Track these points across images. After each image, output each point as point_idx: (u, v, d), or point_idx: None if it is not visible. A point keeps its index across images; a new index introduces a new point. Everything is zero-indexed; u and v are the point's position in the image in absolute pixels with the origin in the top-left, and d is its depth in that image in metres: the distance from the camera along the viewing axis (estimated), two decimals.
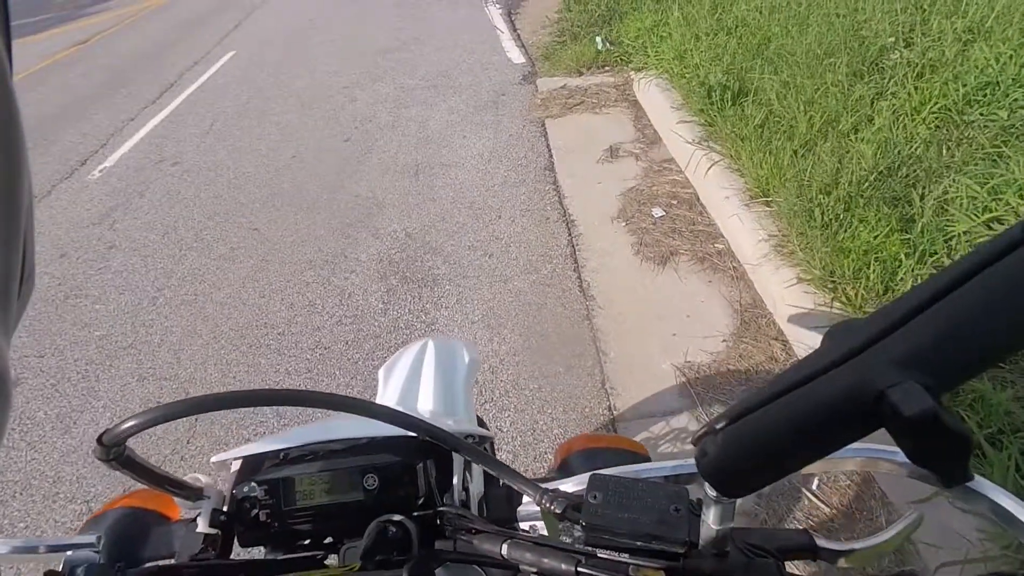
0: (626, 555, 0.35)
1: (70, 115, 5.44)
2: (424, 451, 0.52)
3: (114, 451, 0.41)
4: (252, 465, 0.52)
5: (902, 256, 1.72)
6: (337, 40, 6.23)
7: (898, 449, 0.31)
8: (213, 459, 0.54)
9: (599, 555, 0.35)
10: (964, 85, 2.21)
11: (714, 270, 2.16)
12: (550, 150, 3.22)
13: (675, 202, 2.57)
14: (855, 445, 0.28)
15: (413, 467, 0.50)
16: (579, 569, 0.36)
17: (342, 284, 2.47)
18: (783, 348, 1.82)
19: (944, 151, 1.98)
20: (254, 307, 2.44)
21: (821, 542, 0.35)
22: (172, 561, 0.48)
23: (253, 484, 0.49)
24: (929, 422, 0.22)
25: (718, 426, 0.29)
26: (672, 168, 2.83)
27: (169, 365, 2.24)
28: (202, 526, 0.49)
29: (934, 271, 1.68)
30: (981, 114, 2.07)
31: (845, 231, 1.86)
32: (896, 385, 0.23)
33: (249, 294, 2.53)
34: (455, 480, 0.53)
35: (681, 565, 0.32)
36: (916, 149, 2.06)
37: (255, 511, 0.49)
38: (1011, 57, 2.20)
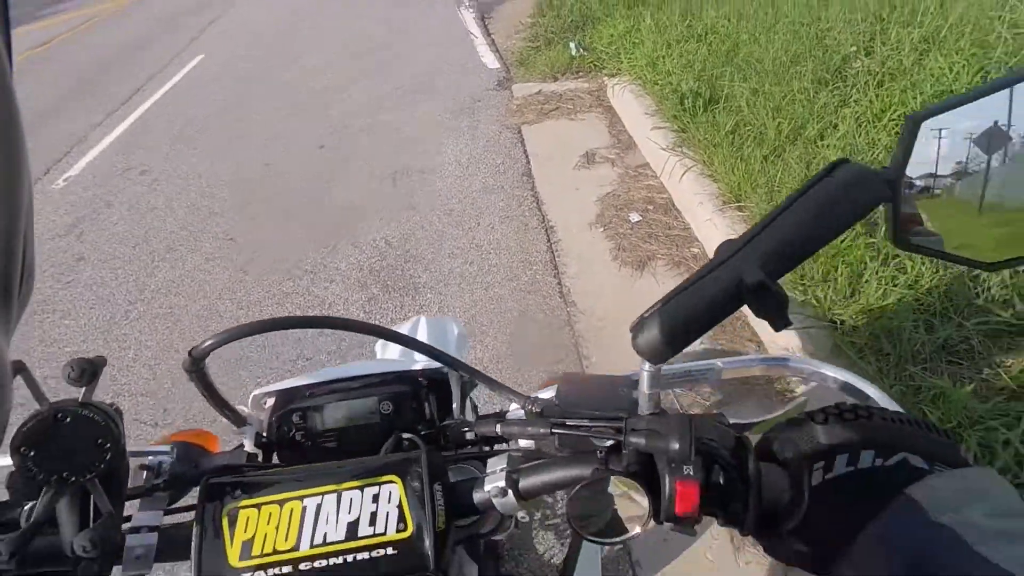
0: (587, 421, 0.45)
1: (31, 122, 5.26)
2: (428, 384, 0.63)
3: (200, 365, 0.51)
4: (287, 397, 0.62)
5: (867, 259, 1.79)
6: (309, 45, 6.16)
7: (789, 359, 0.52)
8: (254, 392, 0.63)
9: (568, 423, 0.45)
10: (921, 93, 2.31)
11: (687, 269, 2.22)
12: (527, 156, 3.26)
13: (651, 207, 2.63)
14: (760, 356, 0.49)
15: (420, 395, 0.61)
16: (553, 430, 0.46)
17: (322, 294, 2.46)
18: (757, 348, 1.88)
19: None
20: (232, 319, 2.41)
21: (731, 419, 0.44)
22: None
23: (290, 410, 0.60)
24: (763, 291, 0.35)
25: (646, 315, 0.40)
26: (647, 173, 2.89)
27: (145, 381, 2.20)
28: (248, 446, 0.58)
29: (896, 273, 1.76)
30: None
31: None
32: (748, 273, 0.35)
33: (226, 306, 2.50)
34: (454, 405, 0.62)
35: (624, 424, 0.42)
36: (879, 155, 2.15)
37: (292, 433, 0.60)
38: (963, 66, 2.31)
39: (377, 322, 0.64)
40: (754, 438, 0.43)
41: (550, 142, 3.35)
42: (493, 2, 6.48)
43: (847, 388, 0.49)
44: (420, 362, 0.64)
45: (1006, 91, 0.36)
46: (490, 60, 4.77)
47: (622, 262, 2.36)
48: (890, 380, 1.51)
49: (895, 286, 1.71)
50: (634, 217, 2.57)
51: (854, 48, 2.75)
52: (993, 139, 0.37)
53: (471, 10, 6.24)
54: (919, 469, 0.32)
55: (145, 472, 0.50)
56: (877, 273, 1.75)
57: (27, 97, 6.05)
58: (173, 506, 0.50)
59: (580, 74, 4.09)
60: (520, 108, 3.79)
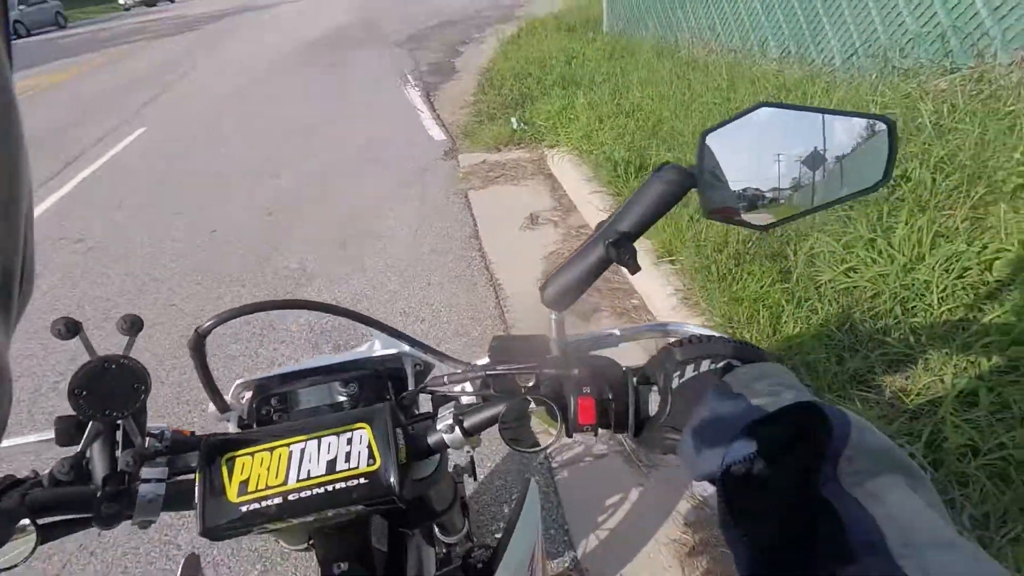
0: (513, 367, 0.57)
1: None
2: (387, 369, 0.72)
3: (202, 343, 0.57)
4: (264, 386, 0.69)
5: (783, 302, 2.00)
6: (257, 117, 6.29)
7: (669, 323, 0.69)
8: (236, 383, 0.69)
9: (498, 369, 0.57)
10: None
11: (632, 323, 2.36)
12: (474, 219, 3.42)
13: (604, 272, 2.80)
14: (648, 324, 0.66)
15: (380, 377, 0.70)
16: (487, 373, 0.58)
17: (271, 355, 2.44)
18: None
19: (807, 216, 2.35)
20: (175, 385, 2.34)
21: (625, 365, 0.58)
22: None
23: (268, 396, 0.67)
24: (620, 248, 0.49)
25: (550, 276, 0.53)
26: (588, 233, 3.09)
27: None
28: (231, 428, 0.65)
29: (810, 314, 1.96)
30: None
31: (737, 283, 2.14)
32: (611, 238, 0.50)
33: (168, 372, 2.42)
34: (410, 385, 0.71)
35: (538, 364, 0.54)
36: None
37: (271, 416, 0.66)
38: None
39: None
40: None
41: (496, 206, 3.54)
42: (437, 81, 6.90)
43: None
44: (379, 351, 0.73)
45: (819, 120, 0.50)
46: (436, 133, 5.04)
47: (568, 314, 2.48)
48: None
49: (809, 325, 1.91)
50: None
51: None
52: (815, 160, 0.51)
53: (417, 88, 6.62)
54: (736, 367, 0.46)
55: (149, 439, 0.55)
56: (793, 314, 1.95)
57: None
58: (175, 469, 0.56)
59: (522, 145, 4.38)
60: (466, 176, 4.00)
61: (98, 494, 0.50)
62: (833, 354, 1.80)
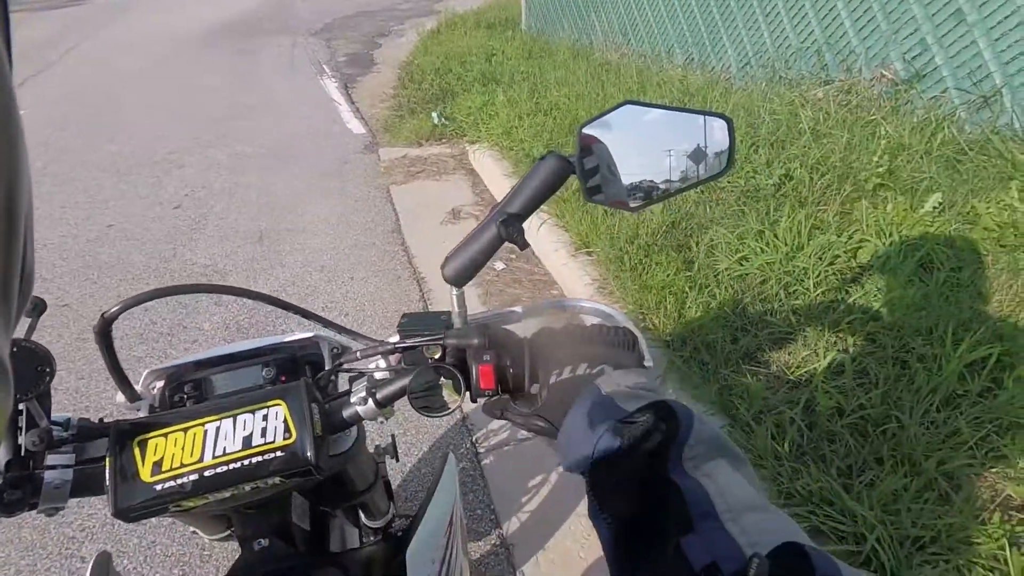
0: (418, 339, 0.61)
1: None
2: (303, 352, 0.73)
3: (108, 329, 0.58)
4: (178, 373, 0.68)
5: (687, 289, 2.19)
6: (159, 104, 5.85)
7: (567, 300, 0.73)
8: (145, 372, 0.67)
9: (407, 343, 0.61)
10: None
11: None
12: (396, 213, 3.41)
13: (514, 255, 2.90)
14: (549, 301, 0.72)
15: (296, 361, 0.71)
16: (396, 347, 0.62)
17: (181, 355, 2.33)
18: None
19: (708, 209, 2.58)
20: (71, 392, 2.18)
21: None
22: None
23: (181, 383, 0.66)
24: (509, 227, 0.54)
25: (449, 254, 0.58)
26: None
27: None
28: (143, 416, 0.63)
29: (710, 299, 2.17)
30: (729, 182, 2.75)
31: (647, 272, 2.31)
32: (502, 218, 0.54)
33: (63, 378, 2.25)
34: (326, 367, 0.72)
35: (443, 336, 0.59)
36: (690, 208, 2.65)
37: (185, 403, 0.65)
38: (742, 140, 2.97)
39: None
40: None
41: (417, 200, 3.55)
42: (355, 73, 6.75)
43: (604, 316, 0.70)
44: (296, 335, 0.74)
45: (684, 116, 0.59)
46: (355, 126, 4.94)
47: (490, 306, 2.57)
48: (712, 383, 1.84)
49: (708, 309, 2.11)
50: (499, 265, 2.82)
51: None
52: (698, 156, 0.60)
53: (334, 80, 6.43)
54: (607, 371, 0.52)
55: (55, 427, 0.54)
56: (695, 300, 2.14)
57: None
58: (84, 456, 0.55)
59: (443, 140, 4.41)
60: (387, 170, 3.97)
61: (0, 480, 0.49)
62: (728, 334, 2.00)
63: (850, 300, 2.03)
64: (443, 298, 2.65)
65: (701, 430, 0.43)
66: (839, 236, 2.24)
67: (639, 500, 0.43)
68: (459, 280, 0.58)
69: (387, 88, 5.93)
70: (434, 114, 4.66)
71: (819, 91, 3.21)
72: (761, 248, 2.27)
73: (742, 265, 2.24)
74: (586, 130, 0.56)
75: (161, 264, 2.99)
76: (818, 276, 2.12)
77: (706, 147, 0.58)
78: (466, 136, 4.29)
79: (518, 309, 0.70)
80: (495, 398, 0.58)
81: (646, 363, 0.57)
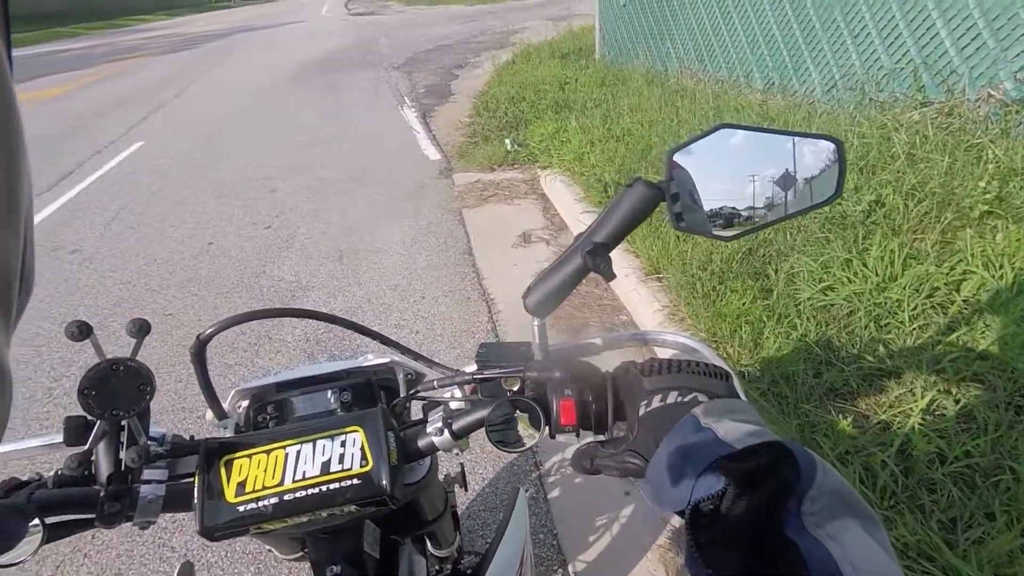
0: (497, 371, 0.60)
1: None
2: (378, 377, 0.74)
3: (203, 349, 0.60)
4: (260, 394, 0.72)
5: (764, 319, 2.09)
6: (255, 134, 6.38)
7: (648, 332, 0.72)
8: (234, 390, 0.72)
9: (485, 374, 0.60)
10: None
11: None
12: (468, 236, 3.50)
13: (583, 280, 2.89)
14: (630, 332, 0.69)
15: (371, 386, 0.73)
16: (474, 377, 0.61)
17: (267, 366, 2.48)
18: None
19: (788, 236, 2.46)
20: (171, 394, 2.37)
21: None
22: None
23: (264, 404, 0.70)
24: (596, 257, 0.53)
25: (531, 284, 0.57)
26: None
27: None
28: (228, 435, 0.66)
29: (790, 329, 2.05)
30: None
31: (721, 300, 2.23)
32: (587, 248, 0.54)
33: (164, 381, 2.45)
34: (401, 393, 0.73)
35: (523, 368, 0.57)
36: (768, 234, 2.54)
37: (266, 424, 0.69)
38: None
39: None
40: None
41: (489, 224, 3.63)
42: (433, 103, 7.06)
43: (689, 350, 0.67)
44: (372, 360, 0.76)
45: (786, 140, 0.55)
46: (432, 153, 5.15)
47: (559, 330, 2.56)
48: (792, 419, 1.73)
49: (788, 340, 2.00)
50: None
51: None
52: (786, 181, 0.56)
53: (413, 109, 6.76)
54: (702, 401, 0.48)
55: (151, 442, 0.57)
56: (773, 330, 2.04)
57: None
58: (175, 472, 0.58)
59: (515, 166, 4.50)
60: (461, 194, 4.10)
61: (102, 493, 0.52)
62: (810, 368, 1.88)
63: (952, 337, 1.85)
64: (511, 319, 2.67)
65: (825, 480, 0.37)
66: (939, 267, 2.06)
67: (749, 558, 0.38)
68: (541, 311, 0.57)
69: (463, 116, 6.16)
70: (507, 140, 4.77)
71: (915, 113, 3.01)
72: (848, 278, 2.13)
73: (826, 295, 2.12)
74: (679, 155, 0.53)
75: (252, 279, 3.22)
76: (914, 309, 1.96)
77: (795, 172, 0.55)
78: (538, 162, 4.36)
79: (597, 340, 0.68)
80: (582, 448, 0.55)
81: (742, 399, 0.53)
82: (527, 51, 8.14)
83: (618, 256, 2.81)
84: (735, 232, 0.55)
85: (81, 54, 18.74)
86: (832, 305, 2.09)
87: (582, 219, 3.27)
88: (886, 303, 2.01)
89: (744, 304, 2.16)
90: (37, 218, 4.49)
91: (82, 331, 0.52)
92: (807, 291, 2.14)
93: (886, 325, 1.96)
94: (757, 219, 0.56)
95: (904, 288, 2.01)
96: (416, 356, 0.71)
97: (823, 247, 2.30)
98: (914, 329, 1.92)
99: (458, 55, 10.46)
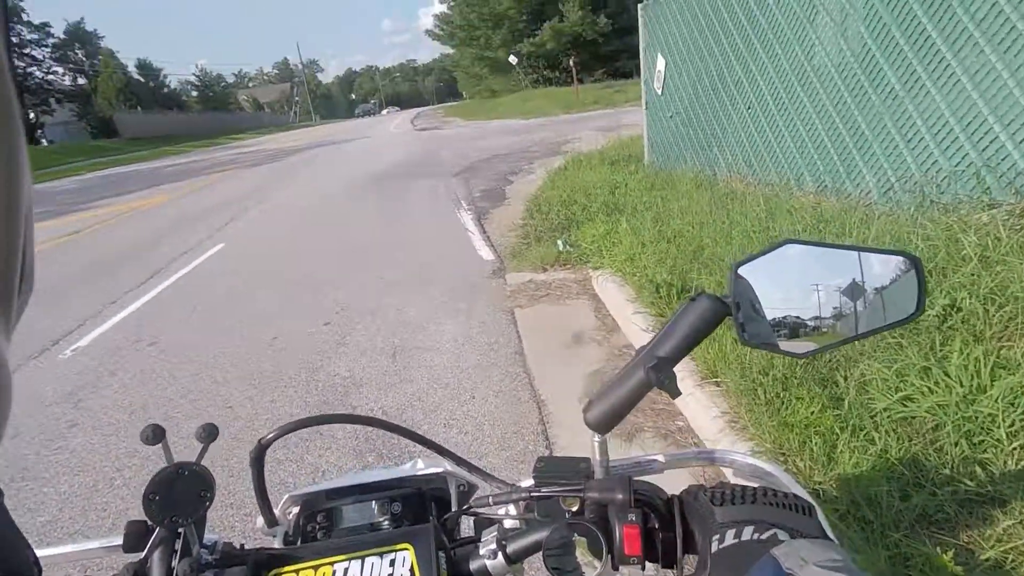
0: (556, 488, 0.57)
1: (49, 299, 5.60)
2: (430, 488, 0.72)
3: (263, 454, 0.62)
4: (312, 501, 0.71)
5: (837, 430, 1.93)
6: (323, 236, 6.88)
7: (715, 451, 0.67)
8: (286, 496, 0.72)
9: (542, 491, 0.57)
10: None
11: (677, 446, 2.31)
12: (519, 336, 3.52)
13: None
14: (696, 449, 0.74)
15: (423, 496, 0.71)
16: (531, 495, 0.58)
17: (316, 461, 2.47)
18: None
19: (856, 341, 2.33)
20: (222, 489, 2.38)
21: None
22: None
23: (314, 512, 0.69)
24: (660, 373, 0.51)
25: (592, 398, 0.56)
26: (631, 353, 3.13)
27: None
28: (277, 544, 0.67)
29: (868, 444, 1.88)
30: None
31: (786, 408, 2.09)
32: (650, 363, 0.52)
33: (218, 474, 2.47)
34: (453, 505, 0.71)
35: (583, 488, 0.54)
36: None
37: (315, 532, 0.68)
38: None
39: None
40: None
41: (541, 324, 3.65)
42: (488, 206, 7.45)
43: (763, 474, 0.61)
44: (424, 469, 0.74)
45: (855, 255, 0.54)
46: (486, 253, 5.35)
47: (612, 434, 2.45)
48: (879, 548, 1.54)
49: (866, 456, 1.82)
50: None
51: None
52: (854, 291, 0.54)
53: (469, 212, 7.14)
54: (782, 540, 0.43)
55: (203, 549, 0.57)
56: (848, 443, 1.87)
57: (51, 276, 6.50)
58: None
59: (567, 266, 4.59)
60: (513, 294, 4.18)
61: None
62: (896, 489, 1.70)
63: None
64: (562, 421, 2.59)
65: None
66: None
67: None
68: (603, 426, 0.56)
69: (516, 219, 6.43)
70: (559, 241, 4.91)
71: (983, 215, 2.91)
72: (929, 388, 1.97)
73: (905, 406, 1.95)
74: (743, 269, 0.53)
75: (309, 375, 3.31)
76: (1011, 425, 1.77)
77: (863, 282, 0.53)
78: (589, 262, 4.43)
79: (660, 457, 0.65)
80: None
81: (829, 537, 0.47)
82: (578, 158, 8.60)
83: None
84: (807, 347, 0.53)
85: (184, 168, 21.32)
86: (913, 417, 1.92)
87: (634, 320, 3.24)
88: (976, 417, 1.82)
89: (813, 413, 2.01)
90: (126, 311, 4.89)
91: (156, 435, 0.54)
92: (883, 401, 1.98)
93: (980, 443, 1.77)
94: (826, 330, 0.54)
95: (996, 401, 1.83)
96: (470, 467, 0.70)
97: (896, 353, 2.15)
98: (1015, 449, 1.71)
99: (513, 163, 11.16)
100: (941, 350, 2.10)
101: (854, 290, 0.54)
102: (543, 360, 3.19)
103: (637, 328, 3.15)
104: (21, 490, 2.55)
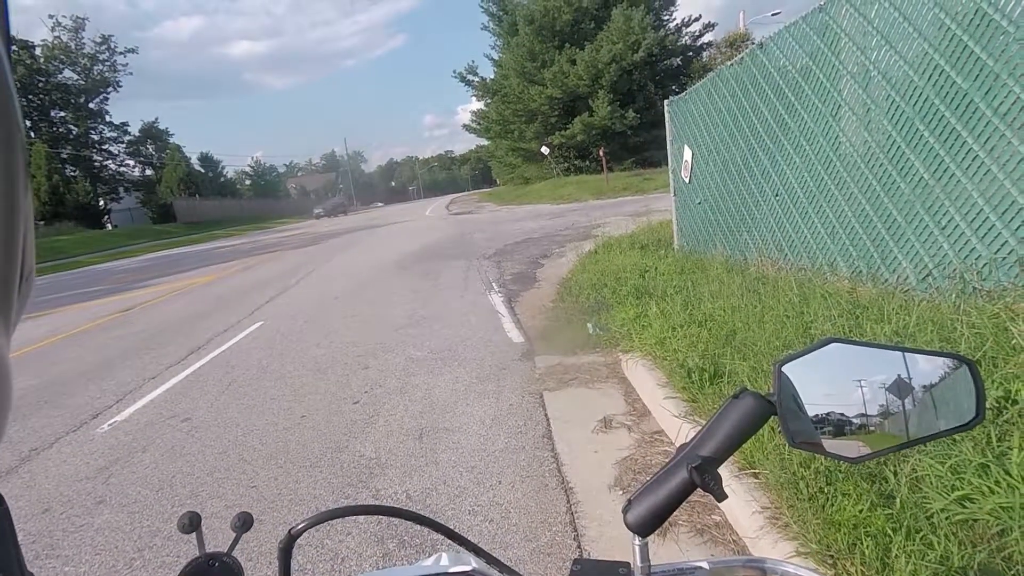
0: None
1: (95, 373, 5.82)
2: None
3: (292, 544, 0.61)
4: None
5: (890, 531, 1.78)
6: (356, 316, 7.05)
7: (766, 559, 0.63)
8: None
9: None
10: None
11: (714, 542, 2.16)
12: (548, 419, 3.45)
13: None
14: (744, 557, 0.62)
15: None
16: None
17: (335, 547, 2.40)
18: None
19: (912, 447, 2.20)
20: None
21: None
22: None
23: None
24: (706, 476, 0.51)
25: (632, 498, 0.55)
26: (663, 440, 3.02)
27: None
28: None
29: (926, 548, 1.73)
30: None
31: (831, 504, 1.95)
32: (693, 464, 0.51)
33: (236, 555, 2.42)
34: None
35: None
36: None
37: None
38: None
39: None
40: None
41: (569, 407, 3.58)
42: (519, 289, 7.56)
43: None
44: (449, 567, 0.71)
45: (900, 355, 0.52)
46: (515, 335, 5.37)
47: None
48: None
49: (926, 561, 1.67)
50: None
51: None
52: (900, 388, 0.52)
53: (500, 295, 7.25)
54: None
55: None
56: (904, 547, 1.72)
57: (105, 349, 6.78)
58: None
59: (597, 349, 4.55)
60: (542, 377, 4.14)
61: None
62: None
63: None
64: (590, 511, 2.47)
65: None
66: None
67: None
68: (644, 528, 0.54)
69: (546, 301, 6.49)
70: (589, 324, 4.91)
71: None
72: (989, 487, 1.82)
73: (965, 507, 1.80)
74: (786, 368, 0.52)
75: (334, 454, 3.28)
76: None
77: (910, 379, 0.52)
78: (619, 346, 4.39)
79: (704, 564, 0.63)
80: None
81: None
82: (608, 242, 8.76)
83: None
84: (858, 450, 0.51)
85: (232, 249, 22.55)
86: (975, 520, 1.76)
87: (666, 405, 3.15)
88: None
89: (861, 511, 1.87)
90: (164, 386, 5.02)
91: (192, 523, 0.55)
92: (939, 500, 1.84)
93: None
94: (873, 428, 0.52)
95: None
96: (500, 566, 0.67)
97: (949, 447, 2.02)
98: None
99: (544, 246, 11.42)
100: (999, 445, 1.96)
101: (901, 389, 0.52)
102: (571, 445, 3.10)
103: (668, 413, 3.05)
104: (44, 567, 2.53)
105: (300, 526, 0.61)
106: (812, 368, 0.52)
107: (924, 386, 0.50)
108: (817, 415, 0.51)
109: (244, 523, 0.58)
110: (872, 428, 0.50)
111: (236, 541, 0.57)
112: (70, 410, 4.73)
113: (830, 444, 0.50)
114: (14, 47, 41.68)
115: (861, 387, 0.52)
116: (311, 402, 4.18)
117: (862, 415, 0.50)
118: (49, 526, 2.89)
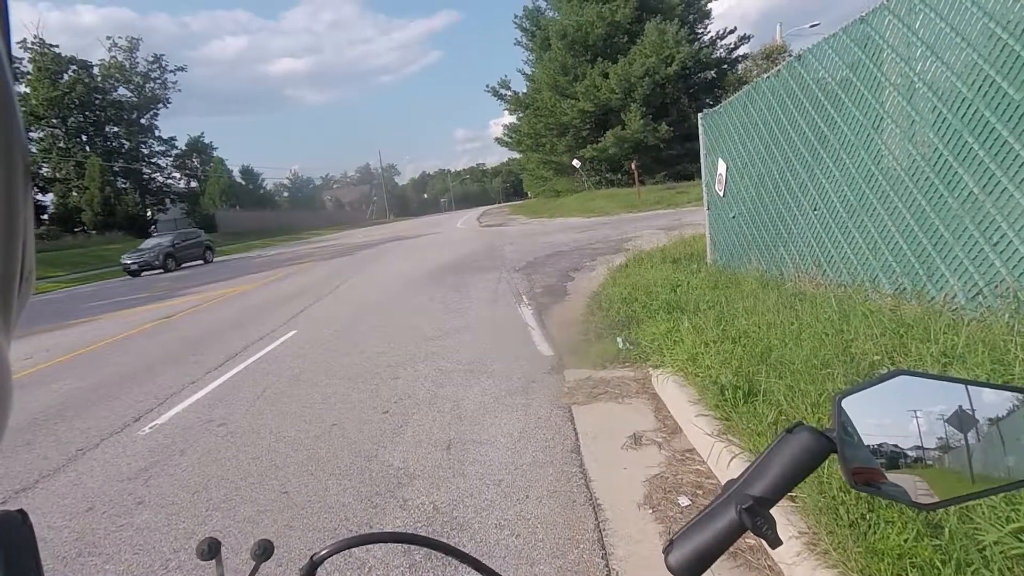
0: None
1: (140, 376, 6.04)
2: None
3: (315, 571, 0.59)
4: None
5: (939, 564, 1.69)
6: (388, 326, 7.14)
7: None
8: None
9: None
10: None
11: (748, 567, 2.08)
12: (576, 434, 3.41)
13: (700, 492, 2.61)
14: None
15: None
16: None
17: (363, 556, 2.41)
18: None
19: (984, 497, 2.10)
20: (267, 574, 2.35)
21: None
22: None
23: None
24: (757, 519, 0.47)
25: (674, 537, 0.51)
26: (695, 458, 2.94)
27: None
28: None
29: None
30: None
31: (873, 532, 1.87)
32: (743, 505, 0.48)
33: (267, 566, 2.46)
34: None
35: None
36: None
37: None
38: (987, 378, 2.49)
39: None
40: None
41: (599, 422, 3.53)
42: (549, 302, 7.54)
43: None
44: None
45: (962, 389, 0.48)
46: (545, 349, 5.35)
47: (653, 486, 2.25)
48: None
49: None
50: (683, 501, 2.54)
51: (878, 357, 3.02)
52: (963, 421, 0.47)
53: (530, 307, 7.25)
54: None
55: None
56: None
57: (149, 354, 7.03)
58: None
59: (627, 364, 4.49)
60: (571, 391, 4.10)
61: None
62: None
63: None
64: (619, 529, 2.42)
65: None
66: None
67: None
68: (689, 572, 0.50)
69: (576, 315, 6.45)
70: (619, 339, 4.85)
71: None
72: None
73: (1021, 541, 1.69)
74: (846, 402, 0.49)
75: (363, 463, 3.31)
76: None
77: (973, 410, 0.47)
78: (650, 361, 4.32)
79: None
80: None
81: None
82: (639, 256, 8.67)
83: (740, 467, 2.54)
84: (924, 495, 0.46)
85: (268, 260, 23.23)
86: None
87: (697, 423, 3.08)
88: None
89: (907, 541, 1.78)
90: (202, 392, 5.17)
91: (212, 549, 0.55)
92: (992, 532, 1.74)
93: None
94: (931, 462, 0.48)
95: None
96: None
97: None
98: None
99: (574, 260, 11.38)
100: None
101: (960, 415, 0.48)
102: (600, 461, 3.05)
103: (700, 431, 2.98)
104: (86, 564, 2.62)
105: (323, 552, 0.60)
106: (874, 402, 0.48)
107: (989, 419, 0.47)
108: (871, 445, 0.47)
109: (264, 551, 0.58)
110: (930, 462, 0.46)
111: (255, 571, 0.57)
112: (114, 412, 4.92)
113: (891, 489, 0.46)
114: (74, 67, 44.44)
115: (917, 418, 0.48)
116: (341, 411, 4.24)
117: (918, 447, 0.47)
118: (92, 524, 2.99)
